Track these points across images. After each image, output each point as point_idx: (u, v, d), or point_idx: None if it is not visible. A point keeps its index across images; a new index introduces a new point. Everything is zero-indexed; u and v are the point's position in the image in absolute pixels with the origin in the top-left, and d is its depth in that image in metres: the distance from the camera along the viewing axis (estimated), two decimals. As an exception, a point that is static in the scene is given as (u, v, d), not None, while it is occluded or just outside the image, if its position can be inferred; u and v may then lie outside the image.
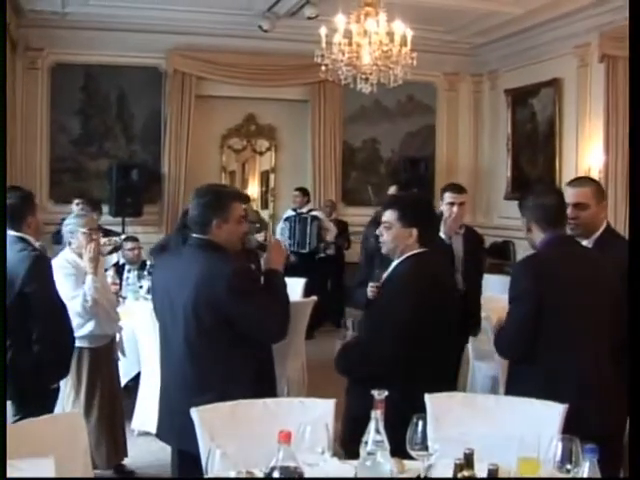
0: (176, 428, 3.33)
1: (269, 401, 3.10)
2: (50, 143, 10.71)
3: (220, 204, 3.44)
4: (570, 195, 3.76)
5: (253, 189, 12.48)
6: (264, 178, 12.44)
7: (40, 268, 4.06)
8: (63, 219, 9.29)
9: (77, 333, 4.63)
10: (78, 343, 4.68)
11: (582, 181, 3.98)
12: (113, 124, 11.04)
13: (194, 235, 3.46)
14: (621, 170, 9.11)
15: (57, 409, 4.89)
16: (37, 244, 4.33)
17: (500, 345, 3.54)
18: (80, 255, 4.69)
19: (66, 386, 4.78)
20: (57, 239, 6.75)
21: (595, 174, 9.12)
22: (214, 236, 3.40)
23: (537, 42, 10.45)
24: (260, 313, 3.33)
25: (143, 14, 9.96)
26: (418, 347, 3.33)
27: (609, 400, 3.26)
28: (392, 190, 8.74)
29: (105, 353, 4.94)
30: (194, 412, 2.90)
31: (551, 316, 3.27)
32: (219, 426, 2.89)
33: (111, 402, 4.95)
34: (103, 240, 6.70)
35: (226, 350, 3.34)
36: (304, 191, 10.46)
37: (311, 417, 2.75)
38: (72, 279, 4.64)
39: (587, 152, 9.80)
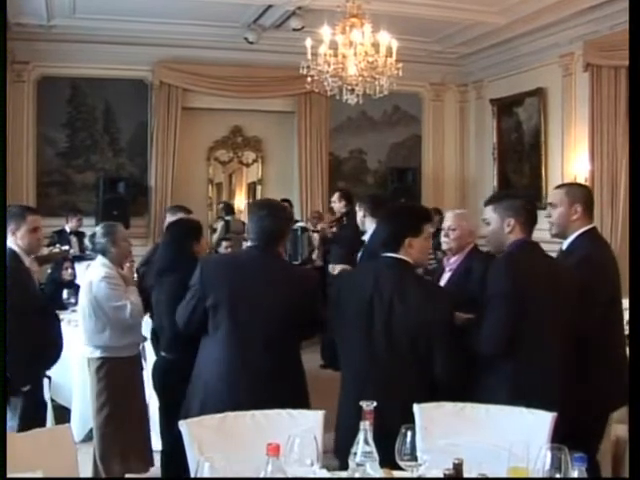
0: None
1: (257, 413, 3.07)
2: (37, 156, 10.68)
3: None
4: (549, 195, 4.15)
5: (240, 201, 12.46)
6: (251, 190, 12.41)
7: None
8: (55, 232, 9.41)
9: (119, 343, 4.63)
10: (113, 353, 4.69)
11: (563, 184, 4.25)
12: (100, 137, 11.04)
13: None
14: (606, 178, 9.16)
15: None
16: (27, 260, 4.44)
17: (487, 342, 3.34)
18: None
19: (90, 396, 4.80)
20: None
21: (581, 182, 9.16)
22: None
23: (522, 52, 10.52)
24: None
25: (129, 27, 9.96)
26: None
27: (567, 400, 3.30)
28: (335, 197, 8.68)
29: (136, 362, 4.90)
30: (182, 425, 2.88)
31: (525, 315, 3.30)
32: (208, 439, 2.87)
33: (134, 414, 4.83)
34: (56, 248, 6.73)
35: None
36: (289, 203, 10.37)
37: (300, 429, 2.74)
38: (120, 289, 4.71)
39: (572, 160, 9.85)
